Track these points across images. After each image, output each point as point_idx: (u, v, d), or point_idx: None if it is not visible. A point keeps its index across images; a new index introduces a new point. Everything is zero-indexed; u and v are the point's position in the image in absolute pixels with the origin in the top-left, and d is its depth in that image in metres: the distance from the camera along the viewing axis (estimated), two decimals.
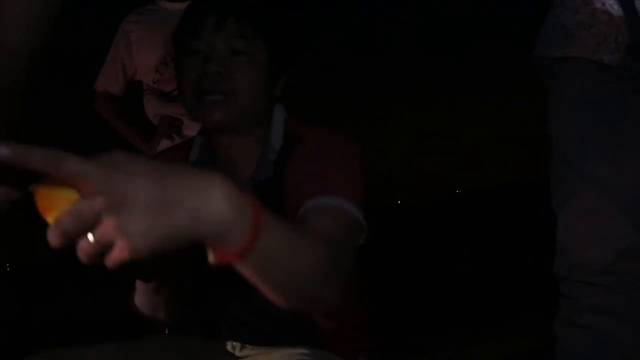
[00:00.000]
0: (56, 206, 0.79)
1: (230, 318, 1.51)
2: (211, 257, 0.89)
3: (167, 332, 1.55)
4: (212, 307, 1.52)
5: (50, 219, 0.79)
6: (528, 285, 3.86)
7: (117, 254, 0.79)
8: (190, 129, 2.56)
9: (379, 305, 1.83)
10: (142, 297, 1.44)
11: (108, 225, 0.77)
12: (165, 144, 2.63)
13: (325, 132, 1.48)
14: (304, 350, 1.34)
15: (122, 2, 2.92)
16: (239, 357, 1.45)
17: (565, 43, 1.68)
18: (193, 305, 1.52)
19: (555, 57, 1.71)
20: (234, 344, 1.49)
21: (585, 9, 1.65)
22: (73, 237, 0.78)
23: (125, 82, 2.77)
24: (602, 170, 1.61)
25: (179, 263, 1.24)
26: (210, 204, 0.83)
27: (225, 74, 1.41)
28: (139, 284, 1.42)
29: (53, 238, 0.77)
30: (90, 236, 0.78)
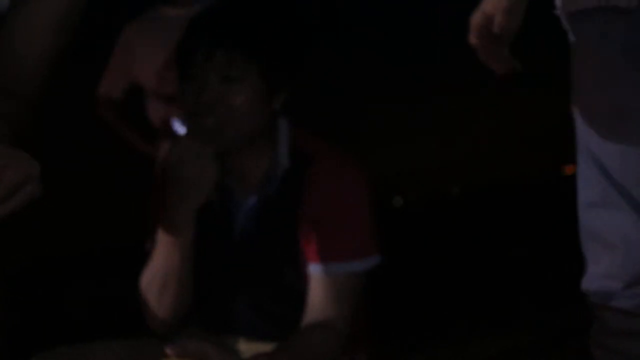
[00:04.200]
0: None
1: (231, 315, 1.54)
2: None
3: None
4: (214, 305, 1.55)
5: None
6: (527, 282, 3.90)
7: None
8: None
9: (379, 303, 1.85)
10: (155, 268, 1.47)
11: None
12: (167, 146, 2.65)
13: (336, 159, 1.51)
14: None
15: (124, 7, 2.95)
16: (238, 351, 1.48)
17: None
18: (196, 303, 1.54)
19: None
20: (234, 338, 1.52)
21: None
22: None
23: (127, 88, 2.81)
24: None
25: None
26: None
27: (218, 104, 1.41)
28: (157, 258, 1.45)
29: None
30: None
